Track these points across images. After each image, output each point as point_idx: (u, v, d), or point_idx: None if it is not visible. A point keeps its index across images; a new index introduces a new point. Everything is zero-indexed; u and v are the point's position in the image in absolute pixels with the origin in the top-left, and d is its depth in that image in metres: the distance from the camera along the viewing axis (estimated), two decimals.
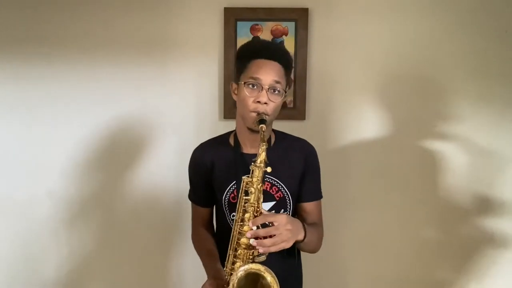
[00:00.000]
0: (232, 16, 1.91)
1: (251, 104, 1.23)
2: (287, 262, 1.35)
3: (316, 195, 1.39)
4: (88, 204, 2.03)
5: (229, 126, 1.94)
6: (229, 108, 1.95)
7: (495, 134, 1.94)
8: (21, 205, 2.01)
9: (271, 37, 1.92)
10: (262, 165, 1.17)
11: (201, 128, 1.98)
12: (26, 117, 1.98)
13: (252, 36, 1.92)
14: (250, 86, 1.24)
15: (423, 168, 1.98)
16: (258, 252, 1.17)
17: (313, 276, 1.58)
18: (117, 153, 2.01)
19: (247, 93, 1.23)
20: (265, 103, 1.22)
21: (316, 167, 1.39)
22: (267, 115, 1.23)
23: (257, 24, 1.92)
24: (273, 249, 1.13)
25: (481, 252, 1.99)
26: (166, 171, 2.00)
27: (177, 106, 1.98)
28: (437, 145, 1.96)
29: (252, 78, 1.23)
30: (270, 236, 1.13)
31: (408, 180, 1.99)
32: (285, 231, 1.13)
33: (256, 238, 1.15)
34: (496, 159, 1.95)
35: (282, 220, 1.14)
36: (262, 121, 1.20)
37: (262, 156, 1.17)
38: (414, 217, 2.01)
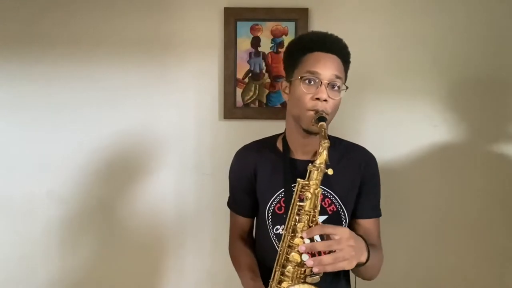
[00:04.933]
0: (232, 16, 1.91)
1: (309, 102, 1.08)
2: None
3: (376, 212, 1.22)
4: (88, 205, 2.02)
5: (229, 126, 1.96)
6: (229, 108, 1.95)
7: None
8: (21, 205, 2.01)
9: (271, 37, 1.92)
10: (323, 166, 1.00)
11: (201, 128, 1.98)
12: (26, 117, 1.98)
13: (252, 36, 1.92)
14: (307, 81, 1.09)
15: (427, 168, 1.97)
16: (311, 271, 0.98)
17: None
18: (117, 153, 2.00)
19: (304, 90, 1.09)
20: (325, 100, 1.08)
21: (376, 179, 1.22)
22: (327, 113, 1.08)
23: (257, 24, 1.92)
24: (331, 268, 0.93)
25: None
26: (166, 171, 2.00)
27: (177, 106, 1.98)
28: (436, 143, 1.96)
29: (310, 72, 1.09)
30: (328, 252, 0.93)
31: (410, 181, 1.99)
32: (347, 247, 0.93)
33: (310, 253, 0.96)
34: None
35: (345, 233, 0.95)
36: (322, 119, 1.05)
37: (323, 156, 1.00)
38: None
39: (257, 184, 1.22)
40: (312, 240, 0.97)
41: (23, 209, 2.01)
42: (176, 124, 1.98)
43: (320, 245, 0.95)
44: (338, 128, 1.94)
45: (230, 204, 1.32)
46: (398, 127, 1.96)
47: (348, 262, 0.94)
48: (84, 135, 1.99)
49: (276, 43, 1.93)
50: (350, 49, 1.90)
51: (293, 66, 1.16)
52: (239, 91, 1.95)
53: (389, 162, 1.96)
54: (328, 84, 1.10)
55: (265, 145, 1.26)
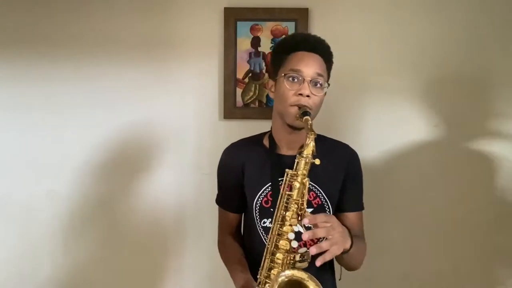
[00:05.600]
0: (232, 16, 1.91)
1: (292, 97, 1.14)
2: (326, 278, 1.23)
3: (359, 205, 1.29)
4: (88, 205, 2.02)
5: (229, 126, 1.96)
6: (229, 108, 1.95)
7: None
8: (21, 205, 2.01)
9: (271, 37, 1.92)
10: (310, 156, 1.06)
11: (201, 128, 1.98)
12: (26, 117, 1.98)
13: (252, 36, 1.92)
14: (291, 79, 1.15)
15: (429, 168, 1.97)
16: (300, 257, 1.04)
17: None
18: (117, 153, 2.01)
19: (287, 86, 1.15)
20: (307, 96, 1.13)
21: (359, 174, 1.29)
22: (310, 109, 1.13)
23: (257, 24, 1.92)
24: (330, 256, 0.99)
25: None
26: (166, 171, 2.00)
27: (177, 106, 1.98)
28: (436, 145, 1.96)
29: (293, 70, 1.15)
30: (318, 240, 1.00)
31: (410, 181, 1.98)
32: (337, 233, 1.01)
33: (299, 240, 1.01)
34: None
35: (335, 221, 1.02)
36: (306, 113, 1.10)
37: (310, 147, 1.06)
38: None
39: (245, 179, 1.26)
40: (308, 228, 1.01)
41: (23, 209, 2.01)
42: (176, 124, 1.98)
43: (320, 231, 0.99)
44: (334, 125, 1.96)
45: (219, 200, 1.36)
46: (397, 127, 1.96)
47: (337, 247, 1.00)
48: (84, 135, 1.99)
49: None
50: (350, 48, 1.92)
51: (278, 66, 1.21)
52: (239, 91, 1.95)
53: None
54: (310, 81, 1.15)
55: (252, 142, 1.31)
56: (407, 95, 1.94)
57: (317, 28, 1.92)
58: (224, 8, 1.90)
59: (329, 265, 1.28)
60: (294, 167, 1.08)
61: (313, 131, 1.06)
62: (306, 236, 0.99)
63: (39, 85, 1.96)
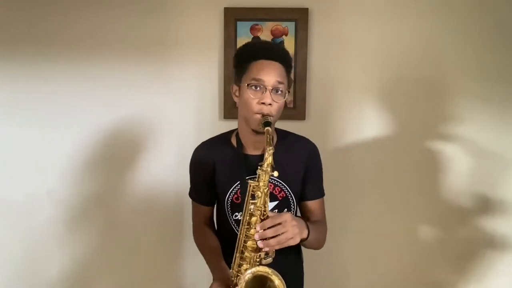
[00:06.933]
0: (232, 16, 1.91)
1: (255, 106, 1.23)
2: (288, 258, 1.35)
3: (319, 193, 1.40)
4: (89, 204, 2.03)
5: (229, 126, 1.93)
6: (229, 108, 1.95)
7: (497, 135, 1.93)
8: (21, 205, 2.01)
9: (271, 37, 1.92)
10: (269, 169, 1.18)
11: (201, 128, 1.98)
12: (26, 117, 1.98)
13: (252, 36, 1.92)
14: (253, 87, 1.24)
15: (425, 169, 1.98)
16: (265, 254, 1.17)
17: (314, 274, 1.59)
18: (117, 153, 2.01)
19: (250, 95, 1.23)
20: (269, 104, 1.22)
21: (318, 165, 1.40)
22: (272, 116, 1.23)
23: (257, 24, 1.92)
24: (279, 246, 1.14)
25: (481, 253, 1.99)
26: (166, 170, 2.00)
27: (177, 106, 1.98)
28: (439, 146, 1.96)
29: (255, 79, 1.23)
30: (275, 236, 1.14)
31: (409, 181, 1.99)
32: (291, 228, 1.14)
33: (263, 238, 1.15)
34: (498, 160, 1.94)
35: (287, 217, 1.15)
36: (267, 123, 1.20)
37: (268, 161, 1.18)
38: (415, 218, 2.02)
39: (216, 177, 1.36)
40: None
41: (23, 209, 2.02)
42: (176, 124, 1.99)
43: (269, 231, 1.13)
44: (337, 126, 1.96)
45: (192, 195, 1.46)
46: (398, 127, 1.96)
47: (293, 240, 1.15)
48: (84, 134, 1.99)
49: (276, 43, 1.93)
50: (350, 48, 1.92)
51: (241, 73, 1.29)
52: None
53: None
54: (272, 89, 1.23)
55: (221, 141, 1.40)
56: (408, 95, 1.95)
57: (317, 28, 1.92)
58: (224, 8, 1.91)
59: (293, 251, 1.38)
60: (256, 179, 1.20)
61: (271, 145, 1.17)
62: (257, 237, 1.14)
63: (39, 85, 1.96)
